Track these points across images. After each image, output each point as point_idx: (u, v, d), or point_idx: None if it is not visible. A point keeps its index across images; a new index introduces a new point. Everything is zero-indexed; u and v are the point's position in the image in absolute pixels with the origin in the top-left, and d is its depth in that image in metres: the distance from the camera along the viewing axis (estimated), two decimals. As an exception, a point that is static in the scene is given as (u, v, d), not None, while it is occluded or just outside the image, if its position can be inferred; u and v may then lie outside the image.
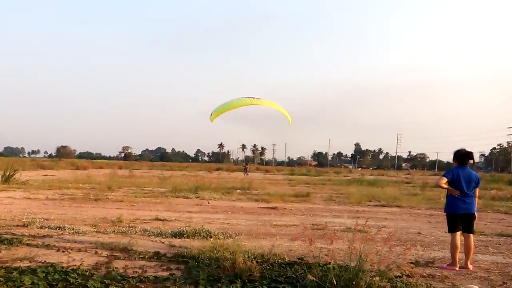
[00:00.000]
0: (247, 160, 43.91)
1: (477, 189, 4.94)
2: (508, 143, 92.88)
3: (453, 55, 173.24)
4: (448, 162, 74.74)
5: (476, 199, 4.95)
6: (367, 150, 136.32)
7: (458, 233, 4.84)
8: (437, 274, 4.52)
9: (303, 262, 4.49)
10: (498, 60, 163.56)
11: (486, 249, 6.02)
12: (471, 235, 4.88)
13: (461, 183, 4.78)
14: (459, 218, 4.83)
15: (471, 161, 4.94)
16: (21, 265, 4.14)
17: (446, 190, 4.88)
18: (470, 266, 4.80)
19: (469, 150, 4.97)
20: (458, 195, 4.78)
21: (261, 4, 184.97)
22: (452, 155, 5.03)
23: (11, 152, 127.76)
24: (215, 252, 4.59)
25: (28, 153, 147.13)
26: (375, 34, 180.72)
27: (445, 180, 4.79)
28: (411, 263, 4.79)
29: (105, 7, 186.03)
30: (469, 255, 4.83)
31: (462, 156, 4.90)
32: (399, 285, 3.83)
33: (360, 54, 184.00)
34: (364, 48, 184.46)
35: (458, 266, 4.75)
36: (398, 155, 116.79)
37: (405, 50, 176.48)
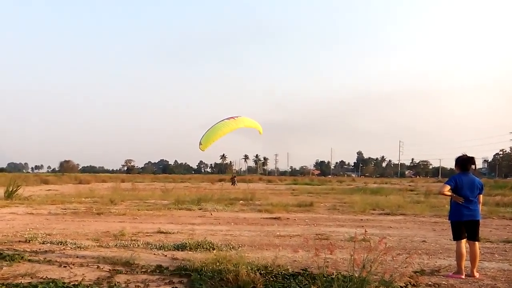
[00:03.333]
0: (234, 173, 45.38)
1: (481, 196, 4.89)
2: (511, 148, 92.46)
3: (454, 60, 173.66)
4: (451, 169, 74.32)
5: (480, 205, 4.90)
6: (369, 158, 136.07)
7: (463, 241, 4.78)
8: (443, 283, 4.45)
9: (307, 273, 4.43)
10: (500, 64, 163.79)
11: (492, 256, 5.93)
12: (477, 242, 4.82)
13: (464, 190, 4.73)
14: (464, 226, 4.78)
15: (473, 167, 4.90)
16: (22, 282, 4.11)
17: (450, 197, 4.84)
18: (477, 274, 4.72)
19: (471, 155, 4.93)
20: (462, 202, 4.73)
21: (262, 14, 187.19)
22: (454, 162, 5.00)
23: (14, 167, 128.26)
24: (218, 264, 4.55)
25: (32, 168, 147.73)
26: (375, 41, 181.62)
27: (448, 187, 4.75)
28: (416, 272, 4.72)
29: (107, 23, 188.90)
30: (475, 263, 4.76)
31: (464, 161, 4.87)
32: (404, 295, 3.77)
33: (361, 62, 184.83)
34: (365, 56, 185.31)
35: (464, 274, 4.68)
36: (401, 163, 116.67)
37: (406, 57, 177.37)
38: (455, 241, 4.85)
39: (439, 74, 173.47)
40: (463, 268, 4.71)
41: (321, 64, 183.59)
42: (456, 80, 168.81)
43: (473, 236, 4.78)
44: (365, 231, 4.72)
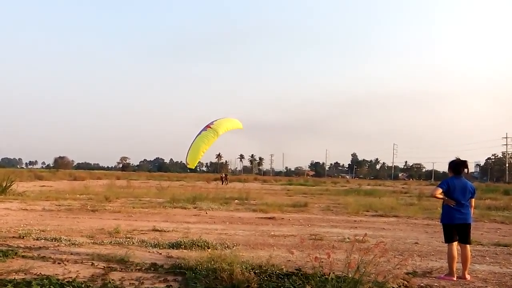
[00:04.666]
0: (225, 171, 45.65)
1: (473, 199, 4.94)
2: (503, 153, 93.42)
3: (449, 64, 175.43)
4: (444, 172, 74.97)
5: (472, 209, 4.95)
6: (364, 160, 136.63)
7: (455, 243, 4.82)
8: (435, 284, 4.49)
9: (301, 273, 4.44)
10: (494, 70, 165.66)
11: (483, 259, 5.99)
12: (468, 245, 4.86)
13: (456, 193, 4.78)
14: (456, 228, 4.82)
15: (466, 170, 4.94)
16: (16, 278, 4.07)
17: (442, 200, 4.88)
18: (468, 276, 4.77)
19: (464, 159, 4.98)
20: (454, 205, 4.78)
21: (258, 14, 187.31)
22: (447, 166, 5.04)
23: (8, 163, 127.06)
24: (212, 263, 4.54)
25: (26, 164, 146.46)
26: (372, 44, 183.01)
27: (440, 190, 4.79)
28: (408, 273, 4.75)
29: (103, 23, 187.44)
30: (466, 265, 4.81)
31: (457, 165, 4.92)
32: (397, 296, 3.79)
33: (357, 64, 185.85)
34: (361, 58, 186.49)
35: (455, 276, 4.72)
36: (394, 165, 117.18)
37: (401, 60, 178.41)
38: (447, 244, 4.90)
39: (434, 79, 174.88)
40: (454, 270, 4.75)
41: (316, 65, 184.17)
42: (450, 85, 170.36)
43: (464, 239, 4.83)
44: (365, 234, 4.74)
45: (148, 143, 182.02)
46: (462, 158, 5.00)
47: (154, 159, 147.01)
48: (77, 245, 6.04)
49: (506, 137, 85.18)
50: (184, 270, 4.55)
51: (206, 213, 11.15)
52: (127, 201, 14.05)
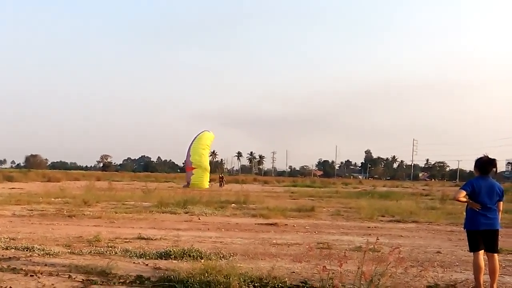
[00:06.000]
0: (220, 172, 46.60)
1: (501, 202, 4.95)
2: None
3: (477, 50, 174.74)
4: (471, 171, 75.13)
5: (500, 213, 4.97)
6: (379, 158, 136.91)
7: (481, 252, 4.85)
8: (459, 298, 4.53)
9: (307, 286, 4.49)
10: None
11: (514, 270, 6.03)
12: (496, 254, 4.89)
13: (482, 196, 4.80)
14: (481, 235, 4.85)
15: (494, 170, 4.96)
16: (-17, 292, 4.13)
17: (466, 203, 4.91)
18: (496, 290, 4.80)
19: (492, 157, 5.00)
20: (479, 209, 4.80)
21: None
22: (474, 164, 5.06)
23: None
24: (206, 275, 4.59)
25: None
26: (388, 26, 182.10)
27: (463, 193, 4.80)
28: (429, 286, 4.80)
29: (80, 9, 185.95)
30: (494, 277, 4.84)
31: (484, 164, 4.93)
32: (415, 311, 3.83)
33: (371, 50, 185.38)
34: (376, 43, 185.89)
35: (482, 290, 4.76)
36: (414, 164, 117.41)
37: (422, 45, 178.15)
38: (472, 253, 4.93)
39: (460, 66, 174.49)
40: (481, 282, 4.78)
41: (325, 51, 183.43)
42: (478, 73, 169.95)
43: (491, 247, 4.85)
44: (377, 239, 4.77)
45: (132, 139, 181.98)
46: (490, 156, 5.02)
47: (140, 158, 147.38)
48: (52, 255, 6.09)
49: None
50: (174, 283, 4.60)
51: (199, 218, 11.24)
52: (109, 205, 14.12)
